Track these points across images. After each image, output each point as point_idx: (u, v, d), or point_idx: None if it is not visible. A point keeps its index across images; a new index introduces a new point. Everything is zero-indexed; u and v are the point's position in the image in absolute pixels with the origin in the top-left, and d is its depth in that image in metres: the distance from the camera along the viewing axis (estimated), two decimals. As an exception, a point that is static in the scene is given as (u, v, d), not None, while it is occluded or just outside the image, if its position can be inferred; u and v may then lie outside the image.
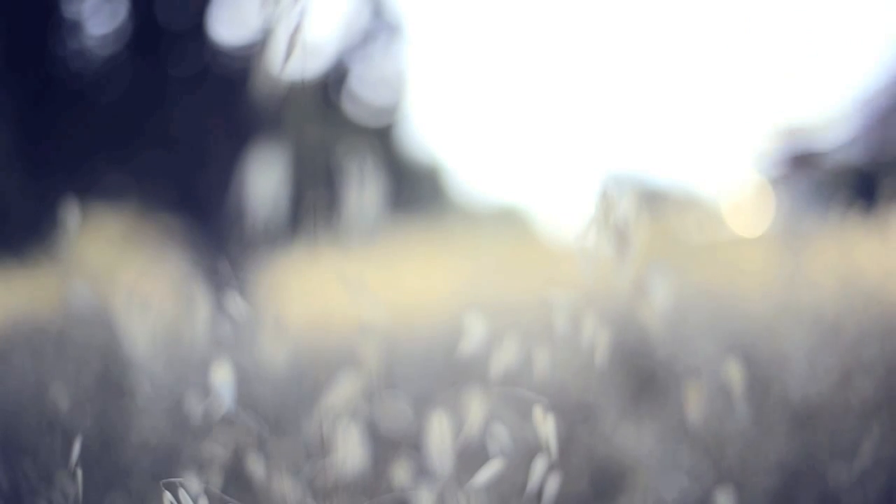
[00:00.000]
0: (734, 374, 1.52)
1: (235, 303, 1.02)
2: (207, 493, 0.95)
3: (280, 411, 1.92)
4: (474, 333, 0.80)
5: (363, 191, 1.87)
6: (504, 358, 0.80)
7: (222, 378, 1.05)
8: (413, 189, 12.80)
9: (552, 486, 0.79)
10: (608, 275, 1.93)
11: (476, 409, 0.81)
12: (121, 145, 10.16)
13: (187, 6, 10.10)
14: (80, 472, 1.02)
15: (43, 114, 9.98)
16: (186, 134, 9.62)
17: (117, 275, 2.98)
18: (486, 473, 0.79)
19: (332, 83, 10.18)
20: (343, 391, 1.13)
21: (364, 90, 10.44)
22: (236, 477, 1.08)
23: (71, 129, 9.87)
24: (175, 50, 10.13)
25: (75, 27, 10.46)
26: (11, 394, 1.95)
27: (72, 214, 1.26)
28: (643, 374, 1.78)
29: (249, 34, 9.39)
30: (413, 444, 1.51)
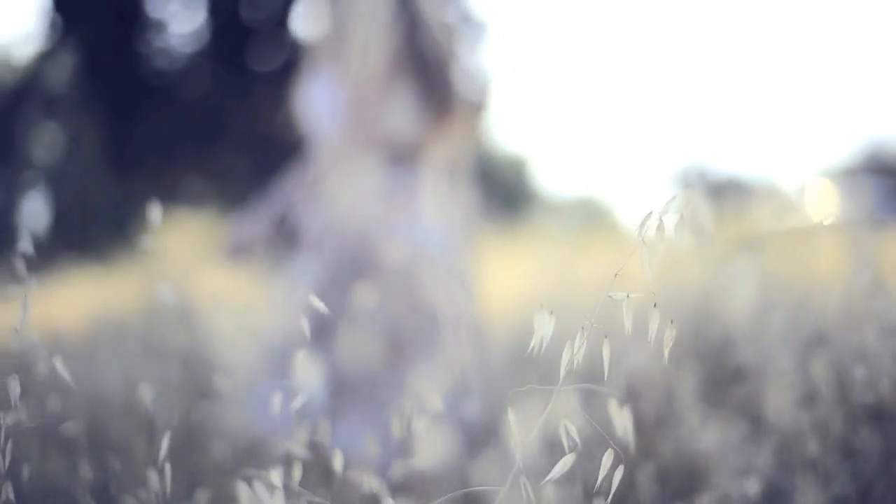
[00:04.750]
0: (818, 368, 1.49)
1: (317, 299, 1.03)
2: (287, 487, 0.97)
3: (363, 406, 1.94)
4: (545, 331, 0.80)
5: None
6: (576, 354, 0.80)
7: (306, 374, 1.07)
8: (494, 182, 12.77)
9: (628, 480, 0.79)
10: (686, 266, 1.91)
11: (553, 405, 0.81)
12: (203, 144, 10.31)
13: (269, 2, 10.14)
14: (168, 469, 1.05)
15: (127, 115, 10.16)
16: (268, 132, 9.71)
17: (201, 274, 3.04)
18: (561, 468, 0.80)
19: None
20: (427, 386, 1.14)
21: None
22: (318, 472, 1.10)
23: (154, 129, 10.05)
24: (257, 47, 10.20)
25: (158, 27, 10.61)
26: (99, 391, 2.00)
27: (156, 214, 1.28)
28: (724, 370, 1.76)
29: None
30: (493, 439, 1.52)
